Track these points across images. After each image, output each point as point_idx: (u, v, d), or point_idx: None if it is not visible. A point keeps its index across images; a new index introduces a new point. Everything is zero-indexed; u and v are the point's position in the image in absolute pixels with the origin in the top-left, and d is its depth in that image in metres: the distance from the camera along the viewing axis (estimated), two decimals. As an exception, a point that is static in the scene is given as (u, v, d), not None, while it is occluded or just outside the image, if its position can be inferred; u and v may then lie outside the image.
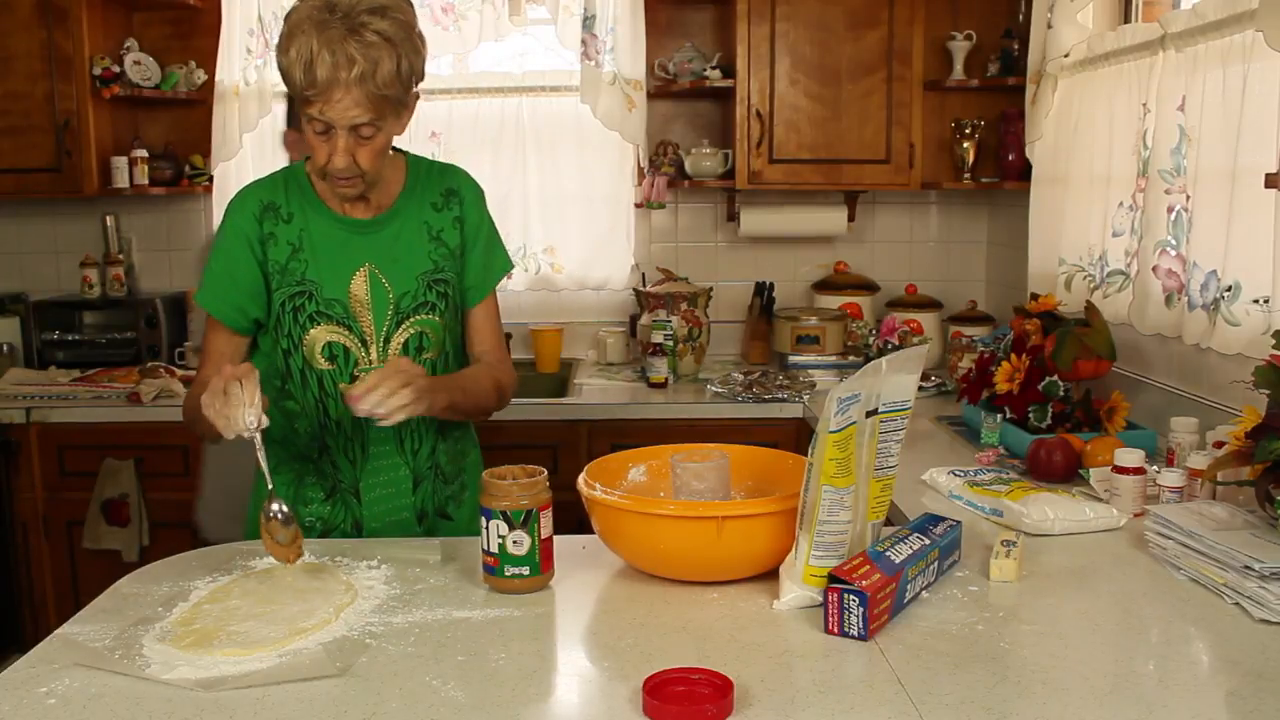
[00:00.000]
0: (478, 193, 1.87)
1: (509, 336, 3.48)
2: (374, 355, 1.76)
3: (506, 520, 1.43)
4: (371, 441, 1.79)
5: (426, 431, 1.83)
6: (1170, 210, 2.27)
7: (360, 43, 1.54)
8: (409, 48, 1.60)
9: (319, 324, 1.75)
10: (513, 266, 1.93)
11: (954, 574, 1.54)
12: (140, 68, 3.38)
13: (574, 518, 1.66)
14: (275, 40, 3.39)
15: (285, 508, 1.51)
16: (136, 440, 3.00)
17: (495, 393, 1.82)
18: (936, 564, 1.48)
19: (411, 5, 1.66)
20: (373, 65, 1.55)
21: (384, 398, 1.52)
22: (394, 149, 1.84)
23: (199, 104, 3.47)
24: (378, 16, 1.57)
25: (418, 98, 1.70)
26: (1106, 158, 2.55)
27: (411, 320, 1.77)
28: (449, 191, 1.83)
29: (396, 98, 1.61)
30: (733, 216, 3.58)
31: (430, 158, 1.89)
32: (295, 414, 1.79)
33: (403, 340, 1.77)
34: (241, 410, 1.45)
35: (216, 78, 3.35)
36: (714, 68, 3.39)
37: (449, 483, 1.88)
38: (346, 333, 1.76)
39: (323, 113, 1.58)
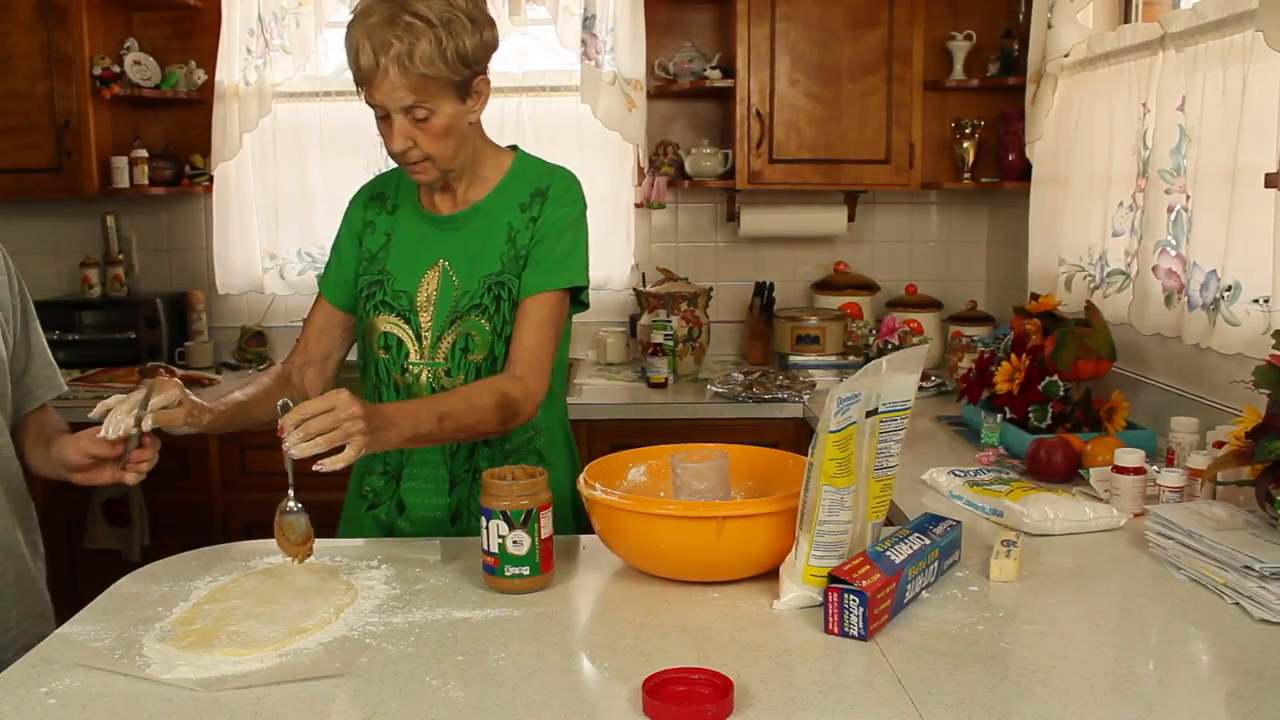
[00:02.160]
0: (568, 194, 1.79)
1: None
2: (424, 351, 1.77)
3: (506, 520, 1.43)
4: None
5: None
6: (1170, 210, 2.27)
7: (397, 26, 1.57)
8: (456, 28, 1.60)
9: (381, 313, 1.78)
10: (586, 285, 1.78)
11: (954, 574, 1.54)
12: (140, 68, 3.38)
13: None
14: (275, 40, 3.42)
15: (300, 504, 1.51)
16: (136, 440, 2.99)
17: (496, 410, 1.65)
18: (936, 564, 1.48)
19: None
20: (409, 47, 1.57)
21: (300, 440, 1.40)
22: (513, 147, 1.85)
23: (199, 104, 3.47)
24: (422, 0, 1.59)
25: (488, 83, 1.70)
26: (1106, 158, 2.55)
27: (463, 321, 1.75)
28: (538, 191, 1.78)
29: (442, 78, 1.61)
30: (733, 216, 3.58)
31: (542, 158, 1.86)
32: (368, 394, 1.83)
33: (451, 341, 1.76)
34: (122, 411, 1.47)
35: (216, 78, 3.36)
36: (714, 68, 3.39)
37: None
38: (404, 325, 1.77)
39: (373, 98, 1.63)
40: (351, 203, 1.89)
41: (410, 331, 1.77)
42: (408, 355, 1.77)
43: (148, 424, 1.47)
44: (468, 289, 1.75)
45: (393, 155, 1.69)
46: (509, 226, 1.77)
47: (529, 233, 1.76)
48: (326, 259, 1.90)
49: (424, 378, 1.77)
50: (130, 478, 1.55)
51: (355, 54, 1.61)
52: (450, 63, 1.60)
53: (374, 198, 1.87)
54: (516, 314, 1.75)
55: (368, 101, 1.65)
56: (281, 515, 1.51)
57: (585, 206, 1.81)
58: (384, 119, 1.66)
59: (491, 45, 1.68)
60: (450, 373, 1.76)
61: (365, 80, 1.62)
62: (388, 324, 1.78)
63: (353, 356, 1.88)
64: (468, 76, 1.65)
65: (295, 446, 1.40)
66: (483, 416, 1.64)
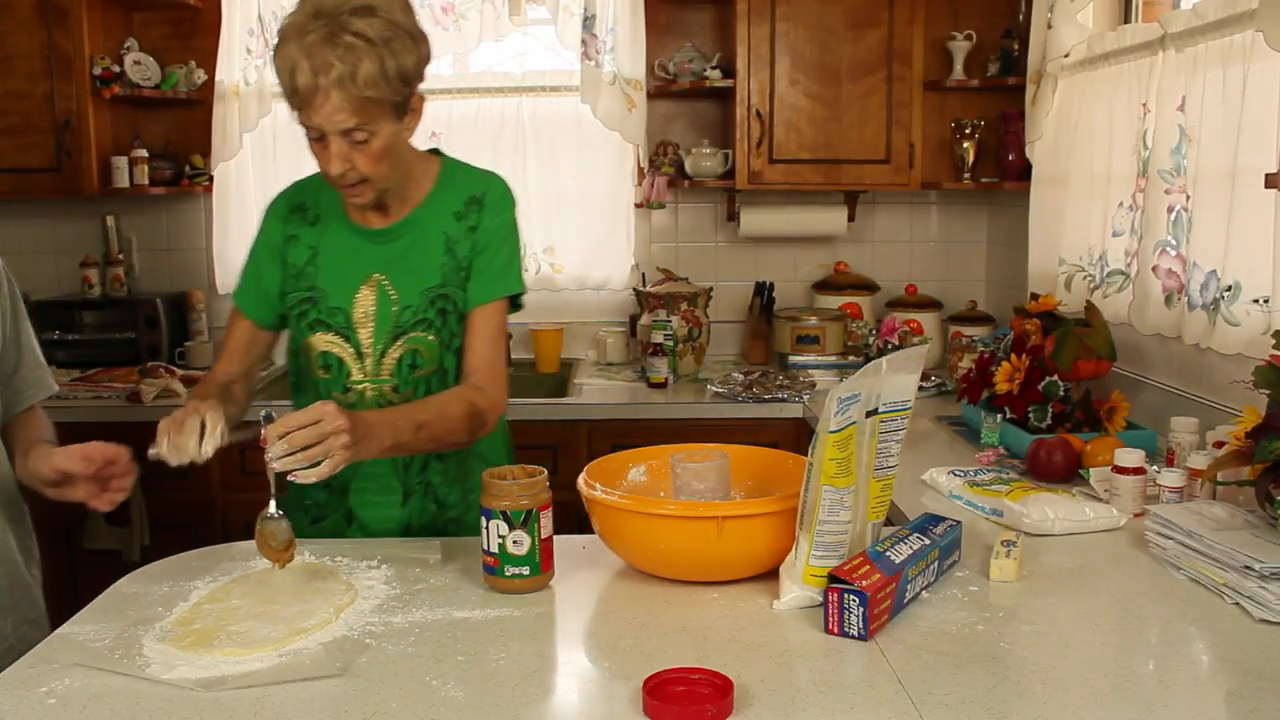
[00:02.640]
0: (503, 201, 1.78)
1: (509, 337, 3.48)
2: (368, 369, 1.74)
3: (506, 520, 1.44)
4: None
5: None
6: (1170, 210, 2.27)
7: (338, 46, 1.51)
8: (398, 46, 1.55)
9: (318, 331, 1.74)
10: (523, 291, 1.79)
11: (954, 574, 1.54)
12: (140, 68, 3.38)
13: (574, 518, 1.66)
14: (275, 40, 3.40)
15: (281, 511, 1.51)
16: (137, 440, 2.95)
17: (466, 421, 1.65)
18: (936, 564, 1.48)
19: (406, 4, 1.62)
20: (351, 68, 1.52)
21: (283, 454, 1.39)
22: (435, 151, 1.82)
23: (199, 104, 3.46)
24: (360, 17, 1.53)
25: (422, 99, 1.67)
26: (1106, 158, 2.55)
27: (407, 337, 1.73)
28: (473, 199, 1.76)
29: (384, 99, 1.56)
30: (733, 216, 3.58)
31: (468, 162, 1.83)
32: None
33: (396, 357, 1.73)
34: (194, 439, 1.45)
35: (216, 78, 3.35)
36: (714, 68, 3.39)
37: (443, 506, 1.81)
38: (344, 343, 1.74)
39: (310, 120, 1.57)
40: (267, 215, 1.81)
41: (350, 349, 1.74)
42: (349, 374, 1.74)
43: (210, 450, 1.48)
44: (408, 303, 1.73)
45: (329, 178, 1.64)
46: (445, 237, 1.74)
47: (469, 242, 1.74)
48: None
49: (369, 394, 1.75)
50: (104, 505, 1.56)
51: (291, 73, 1.53)
52: (392, 82, 1.56)
53: (293, 209, 1.79)
54: (466, 325, 1.74)
55: (302, 123, 1.58)
56: (263, 522, 1.50)
57: (516, 210, 1.80)
58: (318, 140, 1.59)
59: (427, 59, 1.64)
60: (398, 389, 1.74)
61: (303, 102, 1.55)
62: (325, 343, 1.74)
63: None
64: (407, 95, 1.61)
65: (278, 460, 1.40)
66: (454, 427, 1.65)
